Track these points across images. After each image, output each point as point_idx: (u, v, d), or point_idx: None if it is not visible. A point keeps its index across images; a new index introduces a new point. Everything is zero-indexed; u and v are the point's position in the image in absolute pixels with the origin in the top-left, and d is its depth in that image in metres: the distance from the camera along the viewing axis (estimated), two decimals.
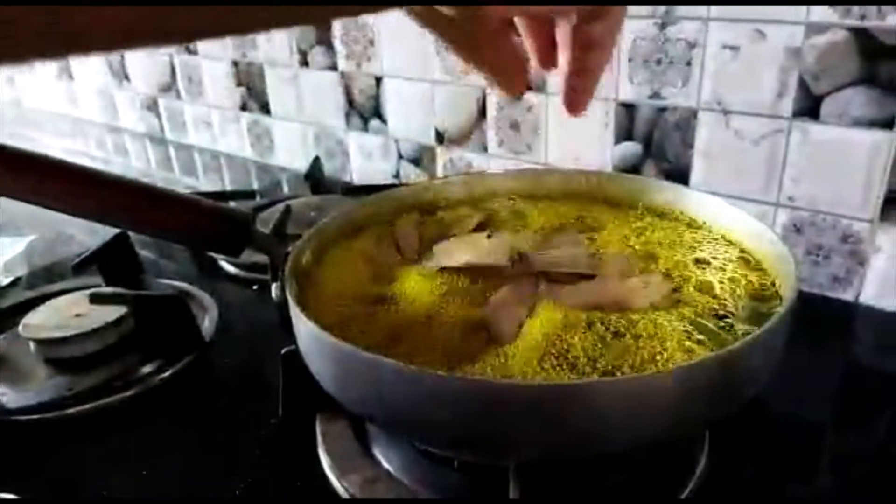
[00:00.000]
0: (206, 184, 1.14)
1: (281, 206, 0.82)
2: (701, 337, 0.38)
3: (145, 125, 1.38)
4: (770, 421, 0.51)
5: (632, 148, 0.74)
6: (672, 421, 0.33)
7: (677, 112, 0.69)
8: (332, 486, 0.45)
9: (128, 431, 0.53)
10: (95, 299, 0.59)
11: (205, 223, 0.47)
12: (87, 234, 0.91)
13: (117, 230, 0.71)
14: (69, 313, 0.61)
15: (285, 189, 1.06)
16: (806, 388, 0.55)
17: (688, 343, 0.38)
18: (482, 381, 0.32)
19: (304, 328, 0.38)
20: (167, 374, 0.57)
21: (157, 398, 0.56)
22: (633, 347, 0.37)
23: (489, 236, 0.50)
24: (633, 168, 0.74)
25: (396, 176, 0.98)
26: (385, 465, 0.45)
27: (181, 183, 1.16)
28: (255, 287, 0.73)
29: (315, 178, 0.92)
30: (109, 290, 0.61)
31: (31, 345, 0.59)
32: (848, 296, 0.65)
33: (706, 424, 0.40)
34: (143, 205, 0.45)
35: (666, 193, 0.55)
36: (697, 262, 0.47)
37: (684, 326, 0.39)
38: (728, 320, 0.41)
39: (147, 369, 0.58)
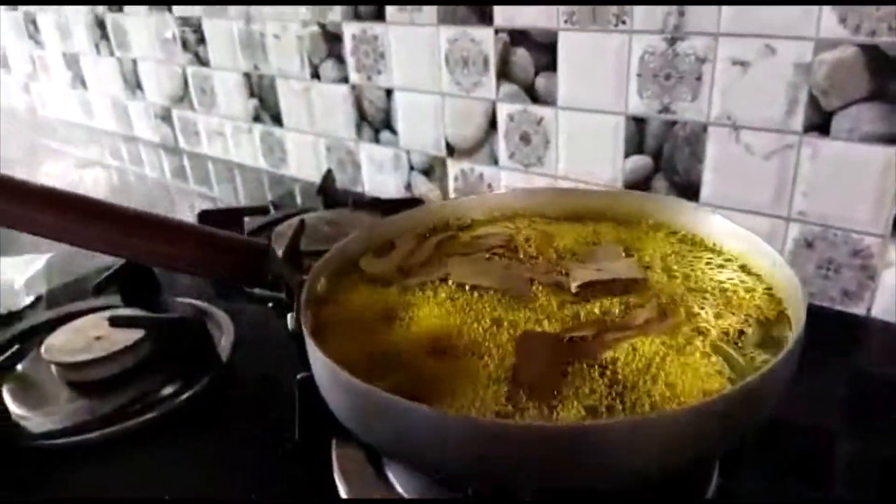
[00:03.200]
0: (220, 194, 1.15)
1: (294, 221, 0.83)
2: (719, 367, 0.39)
3: (159, 135, 1.40)
4: (781, 432, 0.51)
5: (641, 161, 0.74)
6: (685, 456, 0.34)
7: (687, 126, 0.69)
8: None
9: (148, 455, 0.54)
10: (115, 323, 0.60)
11: (220, 257, 0.47)
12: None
13: None
14: (90, 336, 0.62)
15: (298, 200, 1.07)
16: (817, 400, 0.55)
17: (705, 377, 0.38)
18: (496, 423, 0.33)
19: (321, 365, 0.39)
20: (186, 396, 0.59)
21: (176, 420, 0.57)
22: (653, 388, 0.38)
23: (506, 267, 0.51)
24: (643, 181, 0.74)
25: (408, 187, 0.99)
26: (399, 489, 0.46)
27: (195, 192, 1.18)
28: (270, 304, 0.73)
29: (327, 192, 0.93)
30: (128, 312, 0.62)
31: (53, 367, 0.60)
32: (859, 310, 0.65)
33: (717, 455, 0.41)
34: (157, 239, 0.45)
35: (679, 212, 0.55)
36: (709, 286, 0.48)
37: (703, 360, 0.40)
38: (742, 348, 0.41)
39: (167, 391, 0.59)
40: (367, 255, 0.55)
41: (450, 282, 0.49)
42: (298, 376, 0.50)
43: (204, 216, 0.84)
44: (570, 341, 0.42)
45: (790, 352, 0.36)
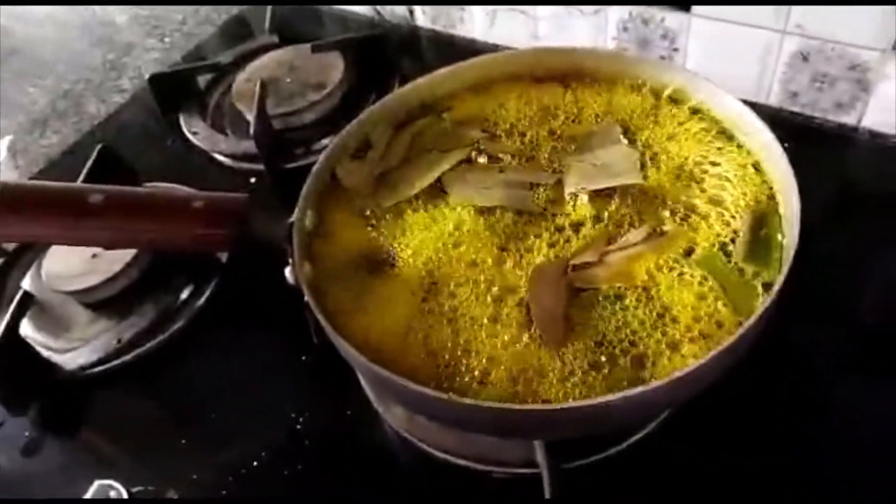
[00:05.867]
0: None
1: (247, 73, 0.76)
2: (714, 291, 0.41)
3: None
4: None
5: None
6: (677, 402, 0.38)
7: None
8: (381, 416, 0.51)
9: (186, 365, 0.58)
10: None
11: (198, 233, 0.45)
12: (59, 119, 0.87)
13: (100, 144, 0.69)
14: (85, 255, 0.62)
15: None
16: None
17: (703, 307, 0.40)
18: (504, 409, 0.36)
19: (338, 343, 0.41)
20: (203, 299, 0.61)
21: (201, 326, 0.60)
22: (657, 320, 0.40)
23: (501, 170, 0.49)
24: None
25: None
26: None
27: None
28: (252, 179, 0.72)
29: (280, 28, 0.84)
30: None
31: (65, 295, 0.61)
32: (850, 119, 0.64)
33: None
34: (130, 227, 0.44)
35: (667, 72, 0.52)
36: (705, 172, 0.47)
37: (698, 283, 0.41)
38: (732, 257, 0.42)
39: (184, 295, 0.61)
40: (342, 160, 0.53)
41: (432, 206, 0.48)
42: (306, 299, 0.51)
43: (155, 80, 0.77)
44: (576, 268, 0.43)
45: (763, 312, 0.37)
